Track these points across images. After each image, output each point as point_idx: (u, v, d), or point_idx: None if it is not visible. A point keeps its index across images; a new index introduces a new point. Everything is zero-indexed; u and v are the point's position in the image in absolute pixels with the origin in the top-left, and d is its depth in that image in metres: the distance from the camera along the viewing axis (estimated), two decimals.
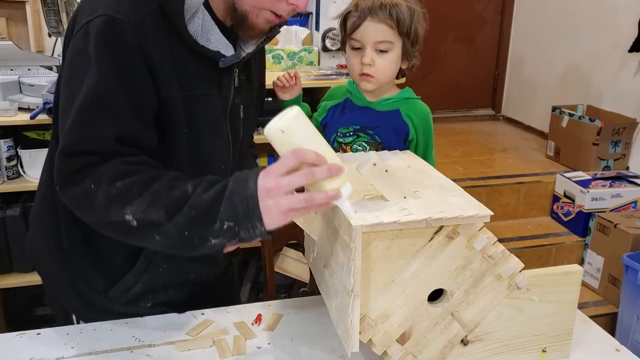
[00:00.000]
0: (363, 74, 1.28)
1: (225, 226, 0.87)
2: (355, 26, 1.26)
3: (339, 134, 1.35)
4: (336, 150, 1.35)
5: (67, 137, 0.93)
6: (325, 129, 1.39)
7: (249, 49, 1.11)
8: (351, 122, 1.34)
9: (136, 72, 0.96)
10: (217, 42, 1.04)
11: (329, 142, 1.37)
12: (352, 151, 1.33)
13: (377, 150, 1.30)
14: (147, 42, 0.96)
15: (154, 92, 0.98)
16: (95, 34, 0.93)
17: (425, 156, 1.34)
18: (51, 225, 1.13)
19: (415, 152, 1.32)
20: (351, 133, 1.33)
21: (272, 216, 0.85)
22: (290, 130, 0.82)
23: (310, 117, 1.45)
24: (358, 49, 1.27)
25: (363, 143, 1.32)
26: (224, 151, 1.13)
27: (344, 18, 1.31)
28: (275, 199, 0.84)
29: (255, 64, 1.22)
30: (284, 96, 1.44)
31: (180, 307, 1.17)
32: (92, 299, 1.13)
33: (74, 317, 1.18)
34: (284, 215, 0.85)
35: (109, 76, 0.93)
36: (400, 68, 1.32)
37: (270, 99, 2.50)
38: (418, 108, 1.33)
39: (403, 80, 1.42)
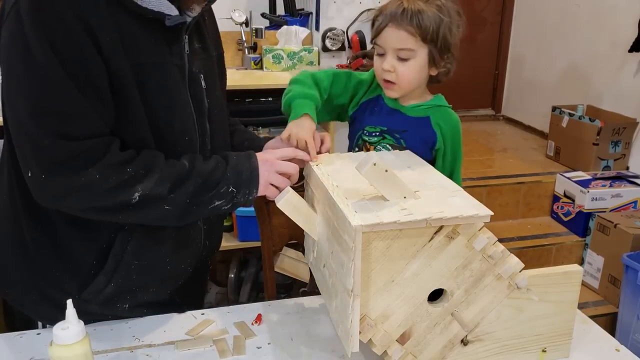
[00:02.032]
0: (385, 81, 1.25)
1: (229, 189, 1.04)
2: (378, 31, 1.23)
3: (365, 131, 1.32)
4: (360, 148, 1.33)
5: (43, 123, 0.92)
6: (354, 123, 1.36)
7: (194, 12, 1.07)
8: (379, 122, 1.31)
9: (82, 48, 0.92)
10: (158, 2, 0.99)
11: (354, 138, 1.35)
12: (376, 151, 1.31)
13: None
14: (84, 12, 0.92)
15: (104, 65, 0.95)
16: (27, 12, 0.89)
17: (453, 170, 1.31)
18: (13, 232, 1.10)
19: (442, 163, 1.29)
20: (377, 133, 1.31)
21: (261, 186, 1.07)
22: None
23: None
24: (382, 54, 1.24)
25: (388, 145, 1.29)
26: (187, 122, 1.09)
27: (372, 21, 1.28)
28: (268, 171, 1.07)
29: (207, 30, 1.18)
30: None
31: (162, 307, 1.15)
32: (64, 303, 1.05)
33: (39, 324, 1.16)
34: (266, 187, 1.07)
35: (56, 63, 0.90)
36: (430, 75, 1.27)
37: (270, 98, 2.50)
38: (449, 117, 1.31)
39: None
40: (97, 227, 1.05)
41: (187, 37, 1.07)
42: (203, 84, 1.12)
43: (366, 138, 1.32)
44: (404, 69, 1.22)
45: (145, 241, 1.08)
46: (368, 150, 1.31)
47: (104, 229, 1.06)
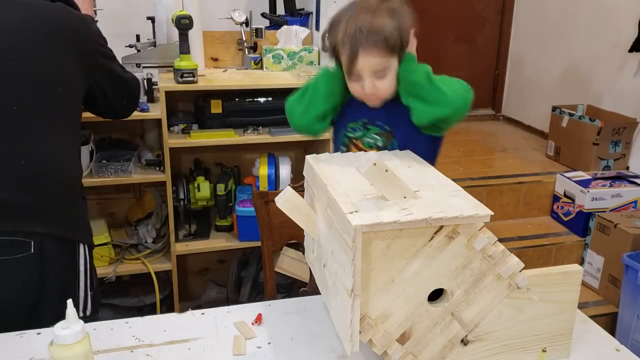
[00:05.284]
0: (368, 98, 1.27)
1: None
2: (349, 61, 1.22)
3: (348, 129, 1.34)
4: (347, 146, 1.35)
5: None
6: (335, 124, 1.38)
7: None
8: (359, 116, 1.33)
9: None
10: None
11: (337, 138, 1.38)
12: (365, 145, 1.33)
13: (388, 139, 1.30)
14: None
15: None
16: None
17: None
18: None
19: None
20: (360, 127, 1.33)
21: None
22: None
23: None
24: (357, 79, 1.25)
25: (374, 135, 1.31)
26: None
27: (331, 48, 1.27)
28: None
29: None
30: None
31: None
32: None
33: None
34: None
35: None
36: None
37: (270, 98, 2.49)
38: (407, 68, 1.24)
39: None
40: None
41: None
42: None
43: (350, 134, 1.34)
44: (384, 84, 1.24)
45: None
46: (356, 146, 1.34)
47: None
